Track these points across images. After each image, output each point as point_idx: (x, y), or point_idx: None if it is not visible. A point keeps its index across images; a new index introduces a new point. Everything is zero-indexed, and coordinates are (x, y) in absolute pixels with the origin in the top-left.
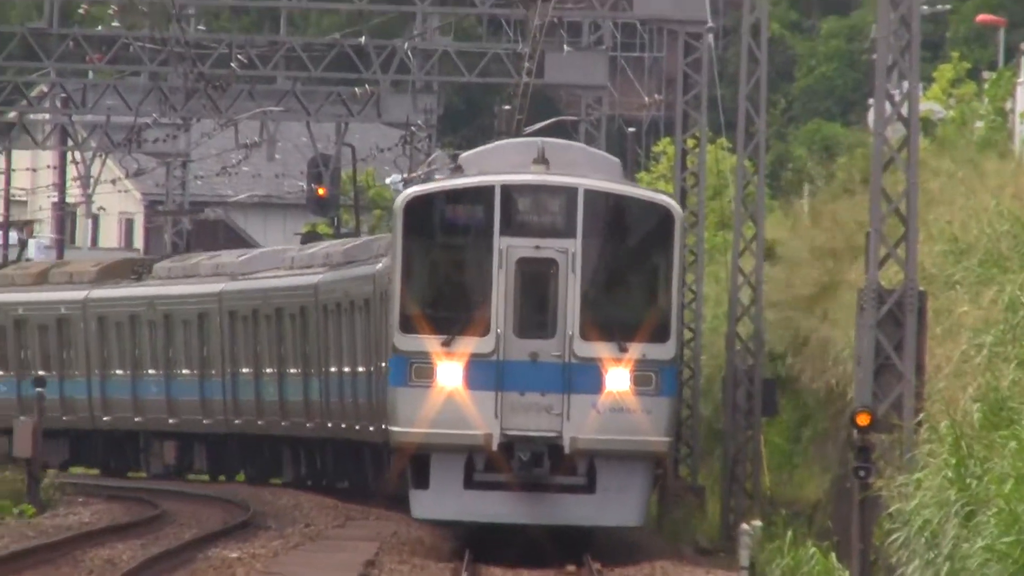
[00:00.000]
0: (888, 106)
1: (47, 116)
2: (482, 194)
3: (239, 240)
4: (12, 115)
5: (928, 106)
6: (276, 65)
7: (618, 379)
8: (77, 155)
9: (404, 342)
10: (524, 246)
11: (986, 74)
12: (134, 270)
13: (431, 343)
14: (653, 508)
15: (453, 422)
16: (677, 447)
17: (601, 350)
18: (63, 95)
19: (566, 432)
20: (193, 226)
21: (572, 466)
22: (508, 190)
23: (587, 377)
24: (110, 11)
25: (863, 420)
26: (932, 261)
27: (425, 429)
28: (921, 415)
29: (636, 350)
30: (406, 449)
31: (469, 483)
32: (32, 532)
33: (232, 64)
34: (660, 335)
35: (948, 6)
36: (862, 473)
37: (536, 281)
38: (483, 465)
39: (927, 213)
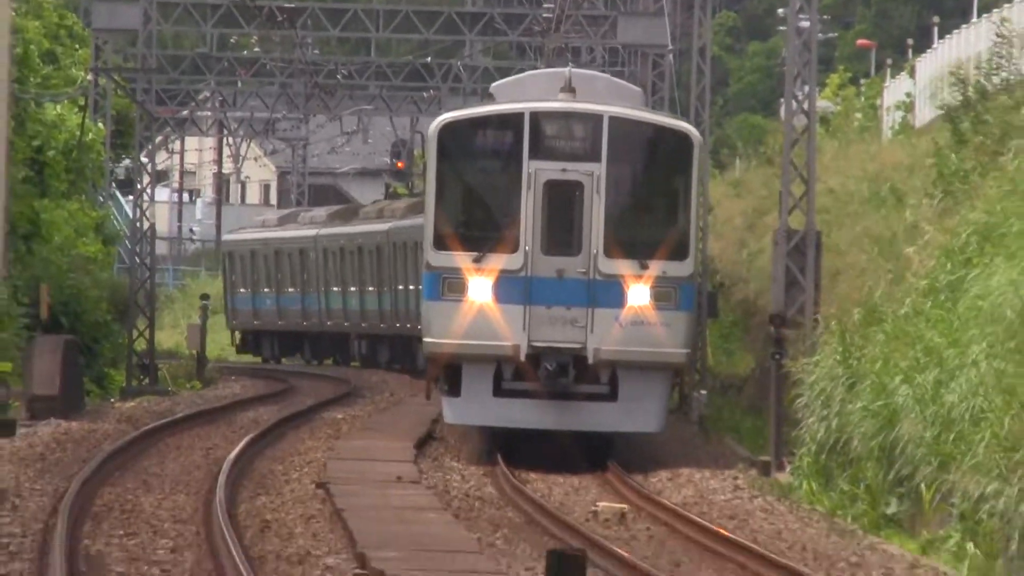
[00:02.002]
0: (794, 104)
1: (209, 113)
2: (512, 120)
3: (343, 199)
4: (185, 113)
5: (822, 104)
6: (368, 77)
7: (639, 294)
8: (230, 140)
9: (437, 259)
10: (551, 169)
11: (863, 81)
12: (345, 215)
13: (463, 259)
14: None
15: (483, 334)
16: None
17: (623, 267)
18: (220, 98)
19: (590, 344)
20: (311, 189)
21: (595, 375)
22: (537, 116)
23: (610, 292)
24: (252, 40)
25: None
26: (823, 206)
27: (457, 340)
28: (817, 316)
29: (656, 267)
30: (439, 359)
31: (498, 391)
32: (200, 400)
33: (338, 76)
34: (679, 253)
35: (835, 33)
36: (777, 356)
37: (562, 202)
38: (511, 374)
39: (822, 176)
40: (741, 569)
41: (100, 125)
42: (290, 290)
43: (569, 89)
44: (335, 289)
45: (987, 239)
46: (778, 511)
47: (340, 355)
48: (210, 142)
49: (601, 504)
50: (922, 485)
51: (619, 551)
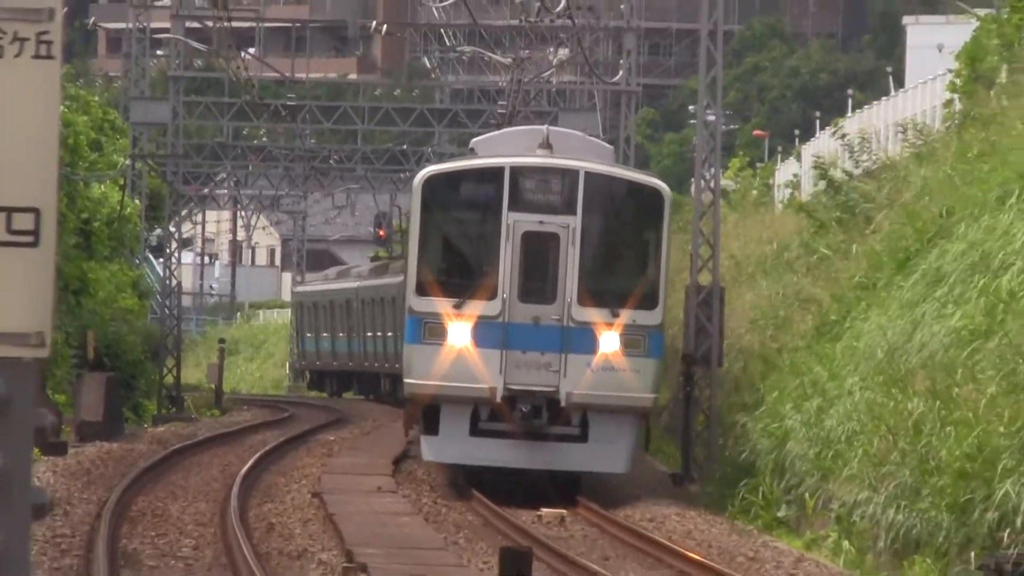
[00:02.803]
0: (703, 182)
1: (225, 191)
2: (493, 174)
3: (336, 262)
4: (206, 191)
5: (725, 183)
6: (355, 161)
7: (610, 341)
8: (242, 213)
9: (419, 304)
10: (529, 221)
11: (758, 164)
12: (379, 270)
13: (443, 305)
14: None
15: (462, 376)
16: None
17: (596, 315)
18: (235, 179)
19: (563, 387)
20: (309, 254)
21: (567, 418)
22: (516, 170)
23: (583, 339)
24: (261, 132)
25: (687, 359)
26: (726, 266)
27: (437, 382)
28: (722, 357)
29: (627, 316)
30: (419, 399)
31: (475, 431)
32: (218, 425)
33: (331, 160)
34: (649, 303)
35: (736, 126)
36: (688, 389)
37: (539, 253)
38: (487, 415)
39: (725, 242)
40: (658, 562)
41: (136, 201)
42: (340, 335)
43: (547, 145)
44: (367, 334)
45: (864, 291)
46: (688, 515)
47: (374, 392)
48: (226, 214)
49: (544, 509)
50: (806, 494)
51: (559, 548)
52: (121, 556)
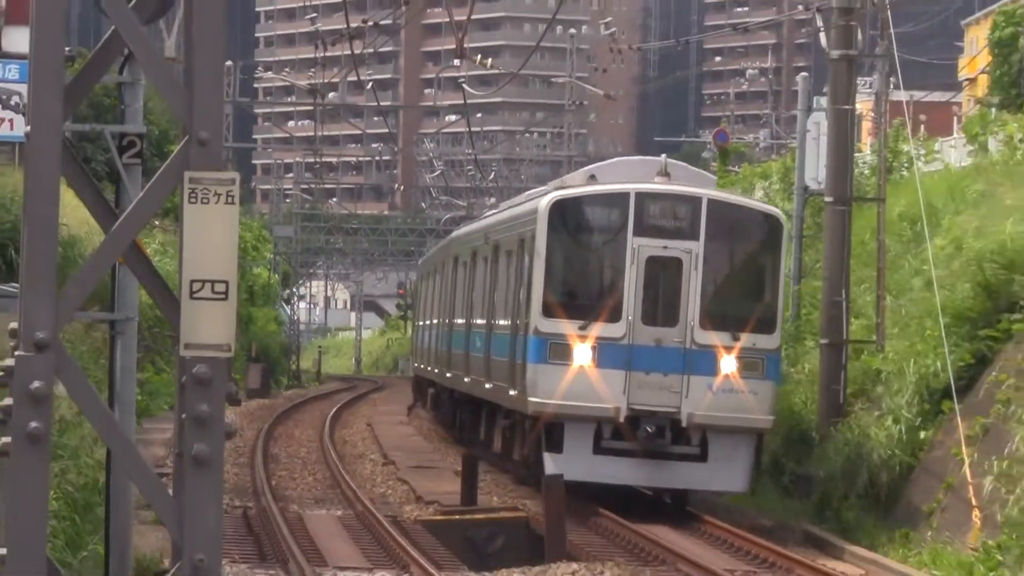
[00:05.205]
0: None
1: (321, 270)
2: (618, 199)
3: (378, 308)
4: (311, 271)
5: None
6: (387, 254)
7: (730, 364)
8: (329, 282)
9: (545, 325)
10: (653, 246)
11: None
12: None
13: (568, 327)
14: None
15: (586, 395)
16: None
17: (716, 338)
18: (327, 265)
19: (684, 408)
20: (364, 302)
21: (688, 437)
22: (642, 196)
23: (704, 361)
24: (339, 243)
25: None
26: None
27: (561, 401)
28: None
29: (746, 339)
30: (543, 417)
31: (597, 449)
32: (319, 391)
33: (374, 254)
34: (767, 327)
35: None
36: None
37: (662, 277)
38: (610, 434)
39: None
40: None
41: (276, 276)
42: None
43: (664, 173)
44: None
45: None
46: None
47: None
48: (321, 282)
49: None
50: None
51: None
52: (269, 458)
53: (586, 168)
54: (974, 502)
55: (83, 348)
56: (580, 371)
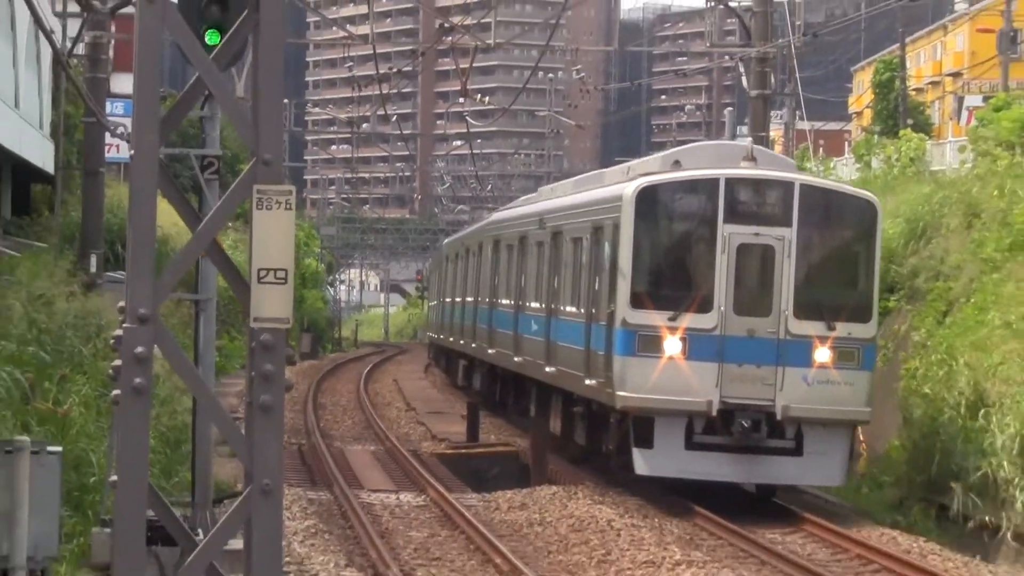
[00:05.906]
0: None
1: (357, 260)
2: (707, 185)
3: (401, 290)
4: (350, 261)
5: None
6: (408, 248)
7: (825, 354)
8: (364, 269)
9: (633, 316)
10: (744, 233)
11: None
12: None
13: (658, 318)
14: None
15: (677, 389)
16: None
17: (811, 328)
18: (362, 256)
19: (779, 401)
20: (391, 285)
21: (782, 431)
22: (732, 182)
23: (798, 352)
24: (371, 239)
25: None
26: None
27: (651, 395)
28: None
29: (842, 329)
30: (631, 411)
31: (689, 444)
32: (356, 353)
33: (399, 248)
34: (863, 316)
35: None
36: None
37: (754, 265)
38: (701, 428)
39: None
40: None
41: (322, 265)
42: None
43: (751, 158)
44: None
45: None
46: None
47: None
48: (356, 271)
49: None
50: None
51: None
52: (318, 406)
53: (666, 152)
54: None
55: (174, 321)
56: (670, 363)
